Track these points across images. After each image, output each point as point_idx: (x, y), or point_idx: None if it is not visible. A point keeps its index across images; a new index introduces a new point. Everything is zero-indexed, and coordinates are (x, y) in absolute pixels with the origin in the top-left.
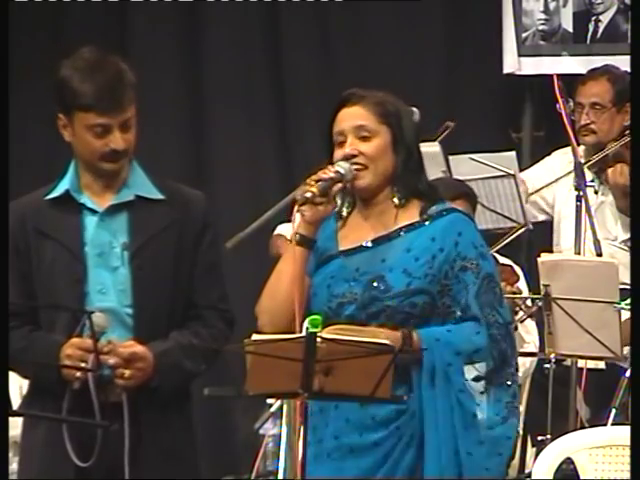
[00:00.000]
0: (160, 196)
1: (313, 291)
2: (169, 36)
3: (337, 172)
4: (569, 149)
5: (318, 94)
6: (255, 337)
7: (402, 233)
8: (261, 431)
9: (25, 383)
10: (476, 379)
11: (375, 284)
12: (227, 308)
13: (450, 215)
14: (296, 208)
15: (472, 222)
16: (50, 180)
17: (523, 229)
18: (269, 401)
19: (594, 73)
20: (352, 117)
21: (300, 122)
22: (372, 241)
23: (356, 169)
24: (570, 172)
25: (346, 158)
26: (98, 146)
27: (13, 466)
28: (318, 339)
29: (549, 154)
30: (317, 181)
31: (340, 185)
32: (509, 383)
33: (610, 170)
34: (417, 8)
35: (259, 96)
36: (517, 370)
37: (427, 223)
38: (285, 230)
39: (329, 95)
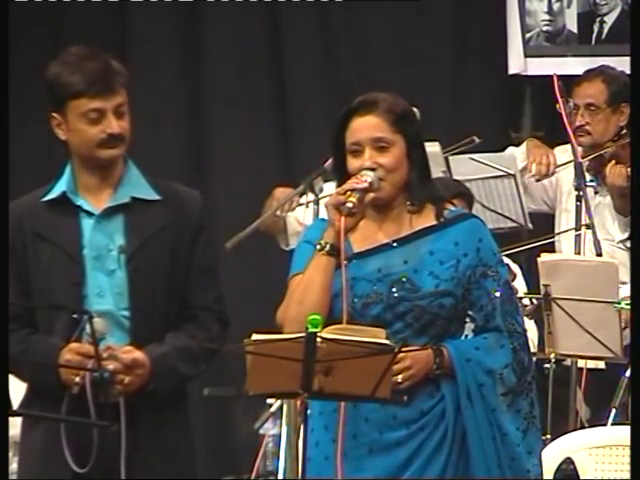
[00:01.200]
0: (156, 197)
1: (334, 292)
2: (169, 36)
3: (368, 182)
4: (569, 146)
5: (319, 94)
6: (255, 337)
7: (421, 235)
8: (261, 431)
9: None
10: (505, 394)
11: (402, 284)
12: (222, 309)
13: (469, 220)
14: (331, 215)
15: (487, 227)
16: (50, 180)
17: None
18: (269, 401)
19: (589, 74)
20: (368, 128)
21: (300, 122)
22: (390, 242)
23: None
24: (570, 162)
25: (365, 169)
26: (94, 133)
27: (13, 466)
28: (318, 339)
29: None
30: (352, 191)
31: (372, 195)
32: (527, 393)
33: (607, 170)
34: (419, 8)
35: (259, 96)
36: (534, 378)
37: (447, 227)
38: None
39: (330, 95)
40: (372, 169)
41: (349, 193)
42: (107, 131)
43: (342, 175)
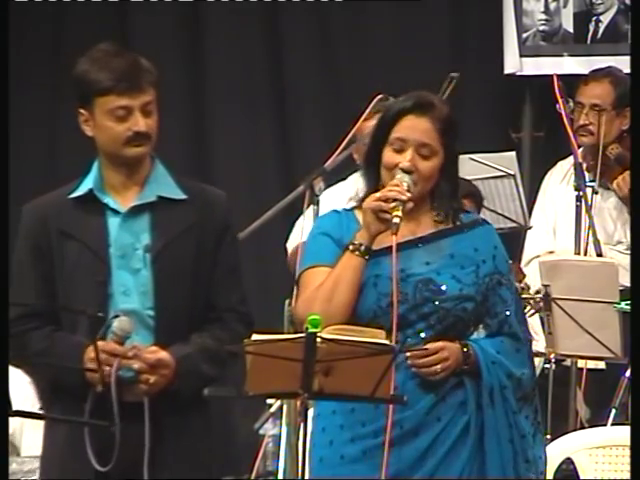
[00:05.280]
0: (182, 196)
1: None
2: (170, 36)
3: (408, 191)
4: (560, 163)
5: (318, 94)
6: (255, 337)
7: (441, 237)
8: (261, 431)
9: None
10: (520, 398)
11: (427, 286)
12: (247, 311)
13: (484, 227)
14: (368, 219)
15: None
16: (50, 181)
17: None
18: (269, 401)
19: (597, 74)
20: (419, 131)
21: (300, 122)
22: (409, 242)
23: None
24: (567, 173)
25: (402, 169)
26: (121, 130)
27: (13, 466)
28: (318, 339)
29: (542, 179)
30: (394, 201)
31: (411, 205)
32: (532, 399)
33: (619, 181)
34: (418, 8)
35: (259, 96)
36: (537, 384)
37: (465, 231)
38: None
39: (329, 95)
40: (409, 172)
41: (394, 206)
42: (133, 129)
43: (374, 167)
